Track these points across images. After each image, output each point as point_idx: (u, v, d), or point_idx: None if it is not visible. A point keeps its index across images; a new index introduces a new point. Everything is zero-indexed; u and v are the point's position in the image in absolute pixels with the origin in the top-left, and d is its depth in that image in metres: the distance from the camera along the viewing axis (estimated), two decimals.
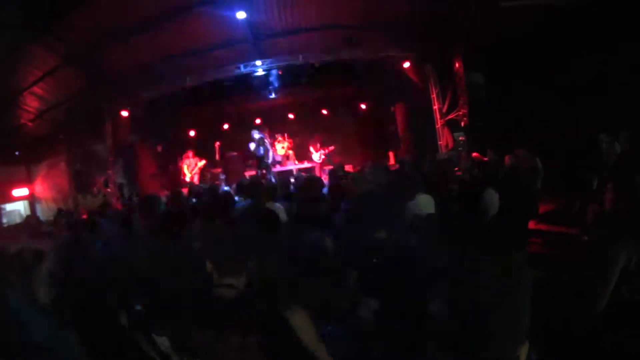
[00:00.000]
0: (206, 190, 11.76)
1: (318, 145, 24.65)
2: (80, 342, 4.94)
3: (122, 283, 5.38)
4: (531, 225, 9.15)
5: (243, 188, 8.11)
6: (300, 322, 3.40)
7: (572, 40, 13.42)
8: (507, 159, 11.66)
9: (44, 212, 17.62)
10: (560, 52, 13.95)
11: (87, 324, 4.89)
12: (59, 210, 14.16)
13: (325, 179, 12.75)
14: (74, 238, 7.39)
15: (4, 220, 16.95)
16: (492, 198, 7.11)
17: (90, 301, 5.00)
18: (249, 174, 21.31)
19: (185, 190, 13.34)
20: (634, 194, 4.94)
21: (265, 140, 21.61)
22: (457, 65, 18.14)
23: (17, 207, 17.82)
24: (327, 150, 24.29)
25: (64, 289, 5.18)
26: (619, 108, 12.18)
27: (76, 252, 5.94)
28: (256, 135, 21.38)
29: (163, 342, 4.65)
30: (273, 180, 13.63)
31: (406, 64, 19.46)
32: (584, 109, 13.04)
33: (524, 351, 3.70)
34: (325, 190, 10.17)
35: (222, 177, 21.96)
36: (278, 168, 22.99)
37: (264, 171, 20.26)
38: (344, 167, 14.08)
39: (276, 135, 25.45)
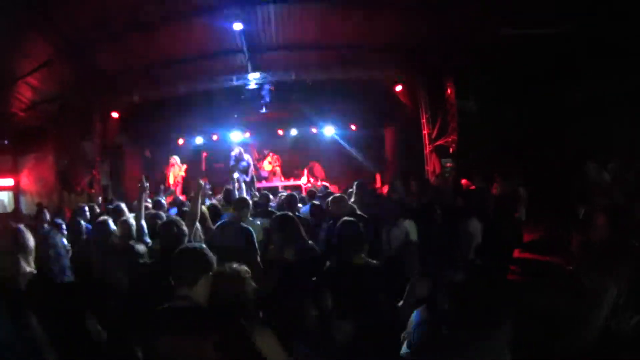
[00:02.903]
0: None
1: (306, 173, 24.54)
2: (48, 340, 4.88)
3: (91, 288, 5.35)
4: (515, 254, 9.14)
5: (229, 202, 8.11)
6: (266, 341, 3.39)
7: (565, 69, 13.52)
8: (494, 187, 11.69)
9: (28, 205, 17.42)
10: (552, 80, 14.05)
11: (55, 323, 4.83)
12: (38, 205, 14.00)
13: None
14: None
15: None
16: (476, 228, 7.09)
17: (58, 300, 4.94)
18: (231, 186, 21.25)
19: (169, 199, 13.27)
20: (623, 225, 4.91)
21: (245, 157, 21.58)
22: (449, 91, 18.17)
23: (2, 197, 17.63)
24: (318, 184, 24.07)
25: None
26: (608, 136, 12.27)
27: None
28: (235, 151, 21.38)
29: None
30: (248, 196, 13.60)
31: (398, 88, 19.51)
32: (574, 136, 13.13)
33: None
34: (305, 209, 10.17)
35: (208, 187, 21.89)
36: (264, 184, 22.90)
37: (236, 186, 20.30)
38: (327, 188, 14.06)
39: (264, 151, 25.39)
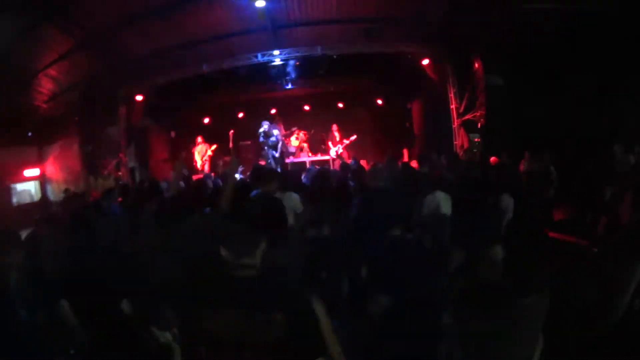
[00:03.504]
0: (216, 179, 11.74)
1: (337, 137, 24.39)
2: (80, 324, 4.89)
3: (127, 271, 5.33)
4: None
5: (259, 177, 7.99)
6: (321, 308, 3.36)
7: (595, 45, 13.23)
8: (521, 163, 11.54)
9: (55, 193, 17.65)
10: (582, 57, 13.76)
11: (89, 308, 4.84)
12: (66, 191, 14.15)
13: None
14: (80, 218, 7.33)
15: (14, 200, 16.99)
16: (508, 203, 7.00)
17: (92, 284, 4.95)
18: (262, 163, 21.23)
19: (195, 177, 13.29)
20: None
21: (274, 132, 21.60)
22: (476, 65, 17.96)
23: (28, 187, 17.86)
24: (348, 142, 24.00)
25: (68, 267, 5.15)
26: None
27: (81, 234, 5.91)
28: (264, 127, 21.40)
29: (164, 334, 4.57)
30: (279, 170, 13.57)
31: (425, 61, 19.31)
32: (604, 116, 12.89)
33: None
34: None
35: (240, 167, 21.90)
36: (291, 159, 22.89)
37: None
38: (359, 162, 13.92)
39: (291, 127, 25.34)
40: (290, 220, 7.09)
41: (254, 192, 7.66)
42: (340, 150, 23.65)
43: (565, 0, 12.80)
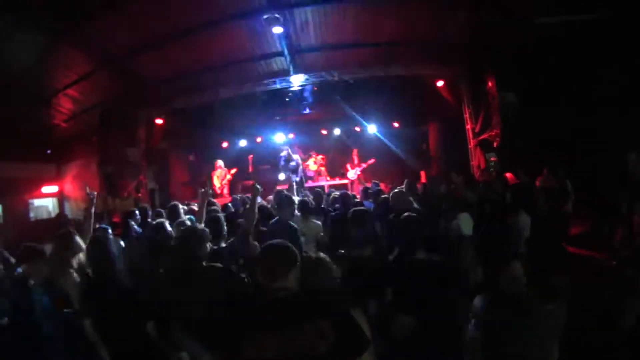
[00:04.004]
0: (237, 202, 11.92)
1: (355, 160, 24.65)
2: (102, 342, 5.06)
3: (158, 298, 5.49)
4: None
5: (278, 204, 8.22)
6: (363, 322, 3.55)
7: (607, 57, 13.32)
8: (538, 180, 11.63)
9: (72, 210, 17.90)
10: (594, 70, 13.84)
11: (113, 327, 5.01)
12: (85, 211, 14.34)
13: (359, 196, 12.81)
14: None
15: (32, 215, 17.26)
16: (525, 221, 7.14)
17: (117, 304, 5.10)
18: (280, 187, 21.38)
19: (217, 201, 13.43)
20: None
21: (294, 157, 21.81)
22: (489, 84, 18.04)
23: (46, 204, 18.15)
24: (366, 165, 24.26)
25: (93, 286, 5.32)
26: None
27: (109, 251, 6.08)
28: (284, 152, 21.63)
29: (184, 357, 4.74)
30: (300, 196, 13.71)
31: (440, 83, 19.45)
32: (618, 128, 12.93)
33: None
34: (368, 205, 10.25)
35: (260, 189, 21.90)
36: (310, 184, 23.03)
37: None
38: (378, 185, 14.09)
39: (309, 152, 25.54)
40: (312, 247, 7.34)
41: (274, 220, 7.89)
42: (358, 173, 23.85)
43: (578, 11, 12.86)
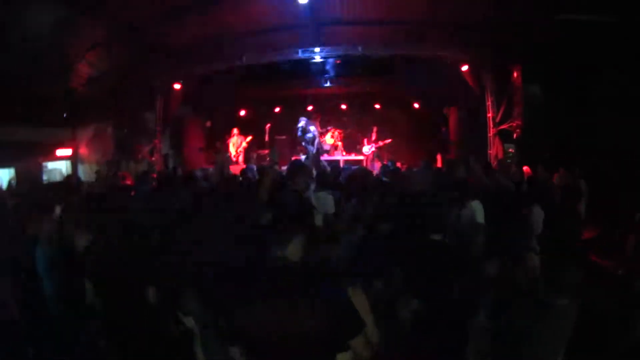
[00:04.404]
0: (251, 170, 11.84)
1: (373, 137, 24.62)
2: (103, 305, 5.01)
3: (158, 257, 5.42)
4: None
5: (289, 172, 8.07)
6: (361, 299, 3.45)
7: (635, 57, 13.10)
8: (555, 177, 11.50)
9: (86, 173, 17.92)
10: (623, 71, 13.62)
11: (113, 289, 4.95)
12: (98, 172, 14.43)
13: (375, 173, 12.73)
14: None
15: (45, 178, 17.30)
16: (539, 215, 7.04)
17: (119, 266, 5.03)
18: (296, 158, 21.36)
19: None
20: None
21: (311, 129, 21.75)
22: (515, 74, 17.85)
23: (59, 167, 18.16)
24: (382, 144, 24.22)
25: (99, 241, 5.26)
26: None
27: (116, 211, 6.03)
28: (301, 122, 21.56)
29: (189, 320, 4.67)
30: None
31: (464, 68, 19.25)
32: None
33: None
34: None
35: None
36: (326, 157, 22.99)
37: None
38: (395, 164, 13.98)
39: (327, 125, 25.48)
40: (319, 219, 7.19)
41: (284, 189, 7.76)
42: (374, 149, 23.79)
43: (603, 11, 12.68)
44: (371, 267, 5.27)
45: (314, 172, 9.39)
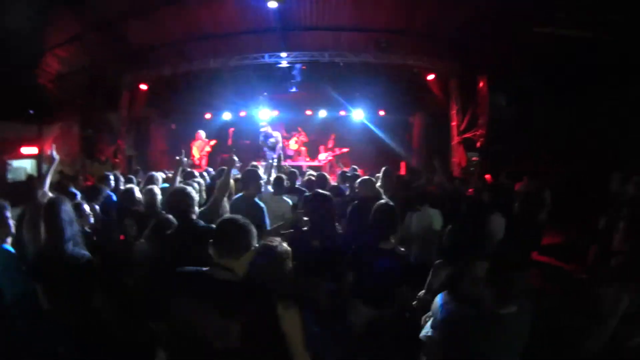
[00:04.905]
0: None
1: (330, 144, 24.59)
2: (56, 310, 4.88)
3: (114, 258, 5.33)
4: (533, 256, 9.08)
5: (243, 179, 8.06)
6: (291, 320, 3.37)
7: (601, 74, 13.29)
8: (517, 186, 11.58)
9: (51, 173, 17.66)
10: (587, 85, 13.81)
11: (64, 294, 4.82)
12: (60, 172, 14.21)
13: (333, 179, 12.72)
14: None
15: (10, 176, 17.02)
16: (499, 223, 7.04)
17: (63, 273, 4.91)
18: (259, 163, 21.29)
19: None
20: None
21: (273, 134, 21.77)
22: (481, 84, 17.99)
23: (24, 165, 17.89)
24: (339, 152, 24.23)
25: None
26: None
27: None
28: (264, 127, 21.59)
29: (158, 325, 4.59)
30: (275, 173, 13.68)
31: (430, 76, 19.38)
32: (606, 144, 12.95)
33: None
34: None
35: (238, 164, 21.91)
36: (289, 162, 22.95)
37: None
38: (356, 170, 13.99)
39: (292, 131, 25.45)
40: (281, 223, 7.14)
41: (237, 195, 7.73)
42: (330, 158, 23.83)
43: (576, 27, 12.86)
44: (317, 275, 5.24)
45: (271, 177, 9.43)
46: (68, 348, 4.83)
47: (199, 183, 8.49)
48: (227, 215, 4.32)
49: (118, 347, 4.85)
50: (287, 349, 3.33)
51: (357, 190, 8.56)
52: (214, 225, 4.32)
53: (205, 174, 11.29)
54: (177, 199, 5.70)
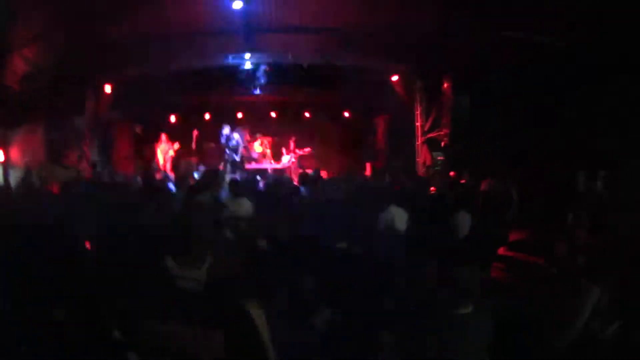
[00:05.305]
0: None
1: (291, 146, 24.57)
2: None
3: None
4: (500, 251, 9.09)
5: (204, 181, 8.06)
6: (261, 323, 3.30)
7: (565, 77, 13.44)
8: (483, 184, 11.65)
9: (16, 178, 17.41)
10: (550, 87, 13.96)
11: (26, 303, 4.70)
12: (24, 179, 13.99)
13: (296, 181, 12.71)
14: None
15: None
16: (464, 220, 7.04)
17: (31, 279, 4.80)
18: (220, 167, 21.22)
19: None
20: (610, 234, 4.90)
21: (235, 136, 21.74)
22: (445, 84, 18.09)
23: None
24: (301, 152, 24.21)
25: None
26: (605, 145, 12.24)
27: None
28: (225, 130, 21.53)
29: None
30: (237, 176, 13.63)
31: (395, 78, 19.43)
32: (570, 143, 13.09)
33: None
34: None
35: (201, 167, 21.84)
36: (253, 165, 22.92)
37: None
38: (319, 172, 14.00)
39: (256, 133, 25.38)
40: (241, 225, 7.08)
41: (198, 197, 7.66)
42: (293, 160, 23.81)
43: (545, 33, 13.00)
44: (276, 278, 5.18)
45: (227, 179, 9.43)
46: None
47: None
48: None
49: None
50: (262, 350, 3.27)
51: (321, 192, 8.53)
52: None
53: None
54: None
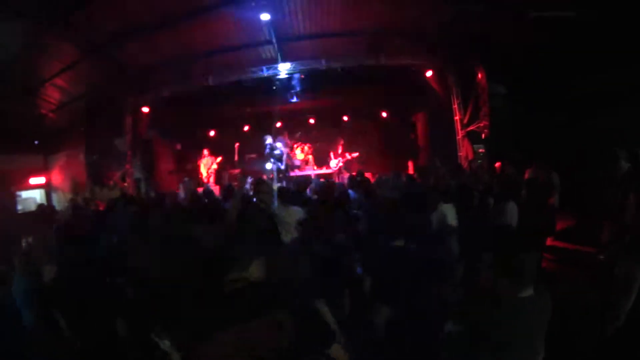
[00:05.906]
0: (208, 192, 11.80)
1: (340, 150, 24.61)
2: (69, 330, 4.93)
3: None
4: (548, 242, 9.07)
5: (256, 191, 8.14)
6: (326, 314, 3.43)
7: (597, 55, 13.26)
8: (526, 173, 11.58)
9: (60, 201, 17.83)
10: (584, 67, 13.78)
11: (84, 317, 4.87)
12: (72, 200, 14.35)
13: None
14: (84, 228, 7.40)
15: (19, 207, 17.20)
16: (513, 210, 7.08)
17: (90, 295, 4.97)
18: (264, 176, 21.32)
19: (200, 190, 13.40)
20: None
21: (278, 145, 21.79)
22: (479, 75, 17.99)
23: (33, 195, 18.08)
24: (350, 157, 24.19)
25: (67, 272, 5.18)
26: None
27: (84, 242, 5.95)
28: (268, 140, 21.62)
29: (165, 343, 4.61)
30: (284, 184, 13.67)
31: (429, 73, 19.36)
32: (608, 124, 12.91)
33: None
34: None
35: (250, 179, 21.93)
36: (297, 172, 23.00)
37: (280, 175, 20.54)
38: (363, 174, 14.03)
39: (296, 140, 25.47)
40: (293, 233, 7.17)
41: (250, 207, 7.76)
42: (341, 164, 23.78)
43: (573, 8, 12.83)
44: (337, 279, 5.26)
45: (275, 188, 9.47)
46: None
47: None
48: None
49: None
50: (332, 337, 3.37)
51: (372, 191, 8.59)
52: None
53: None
54: None
